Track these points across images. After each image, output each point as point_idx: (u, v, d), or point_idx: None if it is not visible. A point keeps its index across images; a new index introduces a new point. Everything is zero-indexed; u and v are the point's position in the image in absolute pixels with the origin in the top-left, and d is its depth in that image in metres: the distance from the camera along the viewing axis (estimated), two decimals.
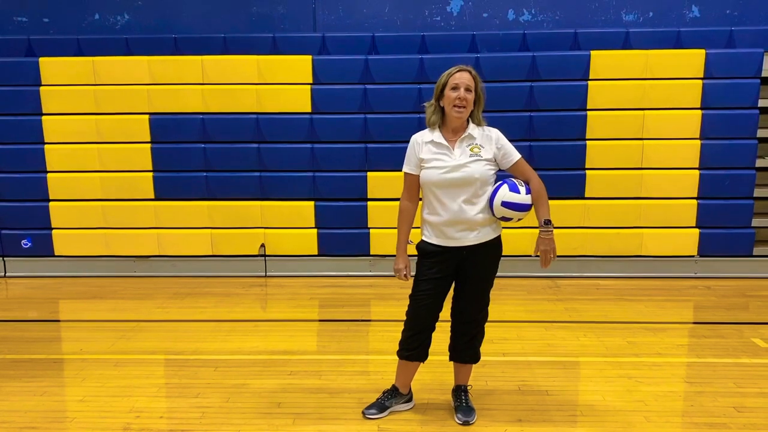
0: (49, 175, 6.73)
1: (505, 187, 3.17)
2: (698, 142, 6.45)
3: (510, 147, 3.25)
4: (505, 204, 3.14)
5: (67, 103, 6.66)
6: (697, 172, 6.48)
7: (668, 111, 6.44)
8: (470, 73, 3.16)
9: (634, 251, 6.58)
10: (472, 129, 3.22)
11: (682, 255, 6.57)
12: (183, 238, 6.75)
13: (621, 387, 3.86)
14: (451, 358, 3.50)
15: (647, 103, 6.44)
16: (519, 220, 3.23)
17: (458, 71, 3.15)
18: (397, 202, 3.38)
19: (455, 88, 3.13)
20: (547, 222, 3.19)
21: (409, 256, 3.36)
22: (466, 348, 3.42)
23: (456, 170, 3.14)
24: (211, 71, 6.61)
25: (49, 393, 3.84)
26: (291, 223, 6.73)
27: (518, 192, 3.16)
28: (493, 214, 3.19)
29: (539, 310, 5.58)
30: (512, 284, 6.26)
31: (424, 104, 3.33)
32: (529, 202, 3.19)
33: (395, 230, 3.37)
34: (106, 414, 3.55)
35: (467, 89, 3.13)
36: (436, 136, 3.22)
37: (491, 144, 3.21)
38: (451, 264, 3.24)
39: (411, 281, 3.35)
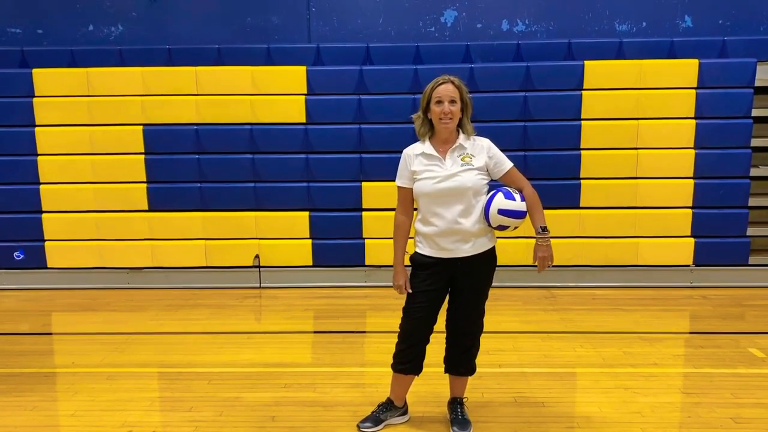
0: (42, 186, 6.69)
1: (500, 195, 3.16)
2: (692, 151, 6.46)
3: (501, 156, 3.25)
4: (501, 212, 3.12)
5: (61, 114, 6.63)
6: (691, 181, 6.49)
7: (662, 120, 6.45)
8: (453, 83, 3.14)
9: (630, 261, 6.57)
10: (463, 140, 3.21)
11: (678, 264, 6.56)
12: (177, 250, 6.71)
13: (617, 398, 3.84)
14: (446, 371, 3.47)
15: (641, 112, 6.45)
16: (515, 228, 3.21)
17: (441, 83, 3.13)
18: (392, 212, 3.36)
19: (439, 101, 3.12)
20: (544, 228, 3.19)
21: (405, 266, 3.34)
22: (461, 360, 3.39)
23: (448, 179, 3.13)
24: (205, 82, 6.60)
25: (40, 408, 3.80)
26: (285, 234, 6.70)
27: (513, 199, 3.15)
28: (489, 224, 3.17)
29: (535, 320, 5.56)
30: (508, 294, 6.23)
31: (412, 116, 3.32)
32: (525, 209, 3.18)
33: (390, 240, 3.35)
34: (97, 429, 3.51)
35: (452, 101, 3.12)
36: (427, 147, 3.22)
37: (483, 153, 3.20)
38: (445, 276, 3.22)
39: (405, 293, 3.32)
